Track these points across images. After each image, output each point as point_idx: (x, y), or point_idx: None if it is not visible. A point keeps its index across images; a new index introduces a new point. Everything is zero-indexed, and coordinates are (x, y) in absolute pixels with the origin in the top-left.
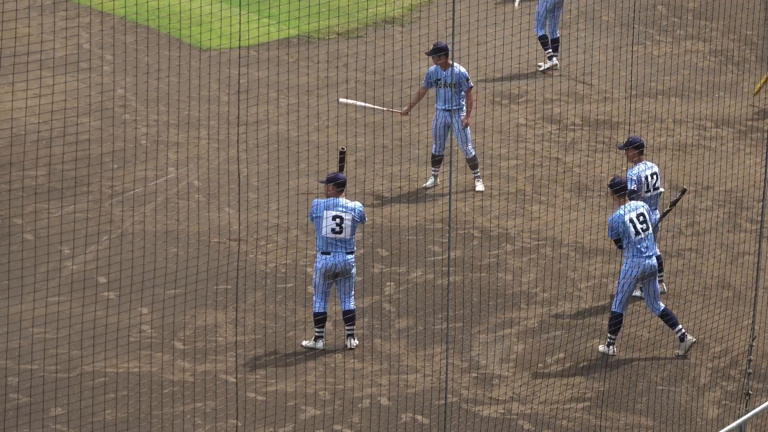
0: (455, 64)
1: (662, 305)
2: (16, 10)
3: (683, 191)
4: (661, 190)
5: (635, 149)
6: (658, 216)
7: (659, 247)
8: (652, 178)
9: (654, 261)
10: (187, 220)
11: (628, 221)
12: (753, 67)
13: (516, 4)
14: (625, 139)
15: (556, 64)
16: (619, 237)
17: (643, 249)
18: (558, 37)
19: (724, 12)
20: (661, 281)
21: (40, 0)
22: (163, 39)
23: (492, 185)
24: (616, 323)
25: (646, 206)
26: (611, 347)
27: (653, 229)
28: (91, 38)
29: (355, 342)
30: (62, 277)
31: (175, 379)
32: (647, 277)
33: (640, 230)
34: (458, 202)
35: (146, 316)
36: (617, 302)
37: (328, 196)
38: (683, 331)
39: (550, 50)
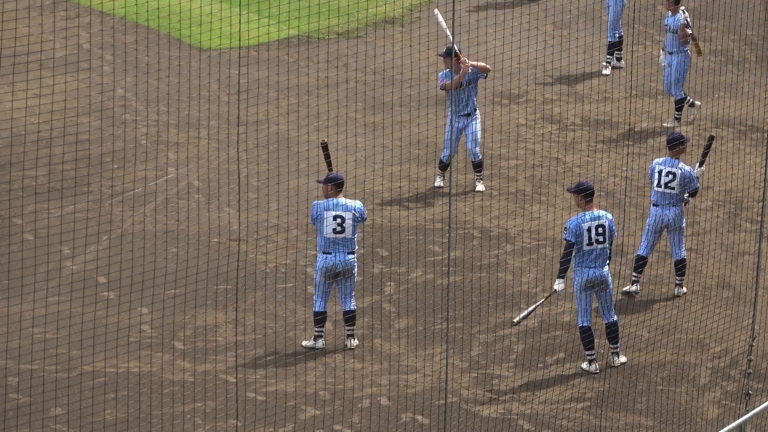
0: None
1: (614, 318)
2: (16, 10)
3: (711, 138)
4: (676, 191)
5: (668, 145)
6: (673, 213)
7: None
8: (667, 176)
9: (601, 271)
10: (187, 220)
11: (585, 229)
12: (753, 67)
13: None
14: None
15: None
16: (573, 243)
17: (590, 259)
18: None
19: (724, 12)
20: (679, 285)
21: (40, 0)
22: (163, 39)
23: (492, 185)
24: (584, 337)
25: (610, 218)
26: (593, 364)
27: (679, 229)
28: (91, 38)
29: (355, 342)
30: (62, 277)
31: (175, 379)
32: (596, 286)
33: (594, 241)
34: (458, 202)
35: (146, 316)
36: (579, 316)
37: (327, 197)
38: (617, 350)
39: (613, 55)
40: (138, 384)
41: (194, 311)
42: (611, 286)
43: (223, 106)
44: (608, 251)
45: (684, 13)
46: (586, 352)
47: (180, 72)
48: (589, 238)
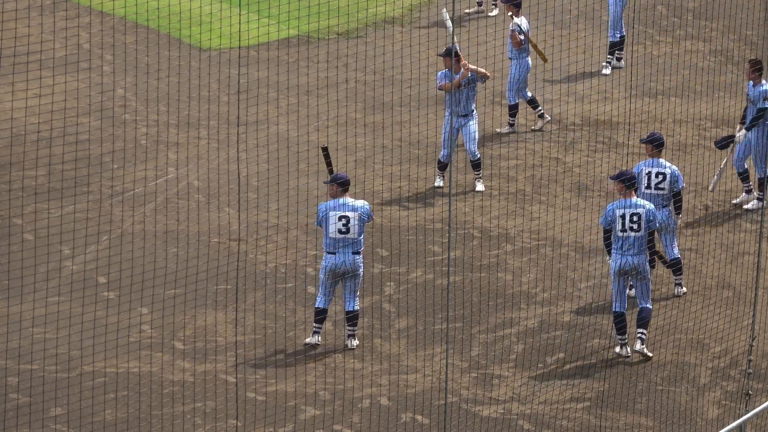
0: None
1: (648, 305)
2: (16, 10)
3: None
4: (666, 191)
5: (649, 144)
6: (663, 215)
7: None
8: (656, 177)
9: (636, 260)
10: (187, 220)
11: (618, 215)
12: None
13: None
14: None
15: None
16: (609, 229)
17: (624, 246)
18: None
19: (724, 12)
20: (678, 284)
21: (40, 0)
22: (163, 39)
23: (492, 185)
24: (616, 323)
25: (649, 209)
26: (624, 348)
27: (670, 229)
28: (91, 38)
29: (355, 342)
30: (62, 277)
31: (175, 379)
32: (629, 274)
33: (627, 228)
34: (458, 202)
35: (146, 316)
36: (613, 301)
37: (333, 197)
38: (644, 336)
39: (614, 55)
40: (138, 384)
41: (194, 311)
42: (648, 275)
43: (223, 106)
44: (645, 240)
45: (514, 18)
46: (618, 337)
47: (180, 72)
48: (623, 224)
